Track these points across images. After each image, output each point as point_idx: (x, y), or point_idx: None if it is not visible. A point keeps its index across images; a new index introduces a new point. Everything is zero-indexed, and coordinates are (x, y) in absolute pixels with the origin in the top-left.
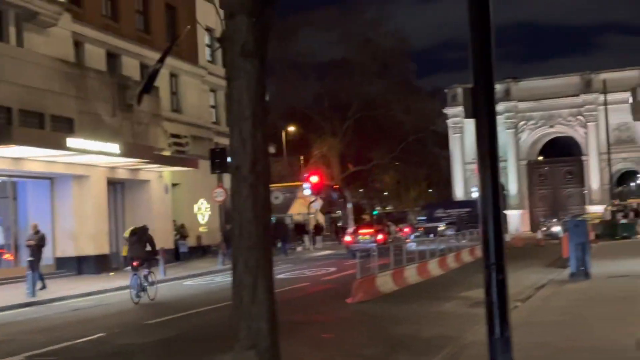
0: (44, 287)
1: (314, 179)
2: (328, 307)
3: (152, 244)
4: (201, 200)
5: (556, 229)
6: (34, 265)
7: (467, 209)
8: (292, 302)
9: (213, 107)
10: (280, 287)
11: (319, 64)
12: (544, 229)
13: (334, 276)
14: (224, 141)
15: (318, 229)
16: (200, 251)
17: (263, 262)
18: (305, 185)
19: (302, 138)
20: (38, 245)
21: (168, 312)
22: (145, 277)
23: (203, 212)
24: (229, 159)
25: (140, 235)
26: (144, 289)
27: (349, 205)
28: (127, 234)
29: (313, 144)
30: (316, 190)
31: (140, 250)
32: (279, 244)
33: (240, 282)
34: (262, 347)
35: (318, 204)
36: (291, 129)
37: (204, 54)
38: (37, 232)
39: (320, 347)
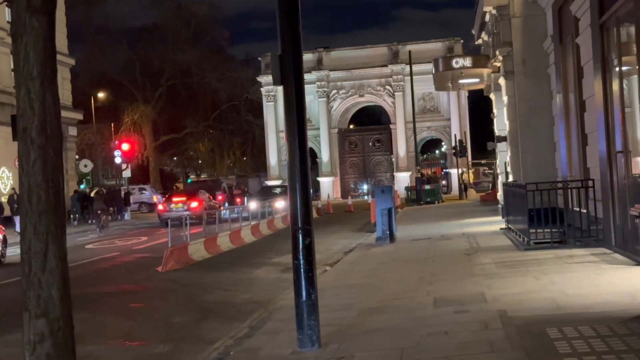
0: None
1: (125, 147)
2: (138, 276)
3: None
4: (2, 169)
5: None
6: None
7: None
8: (101, 273)
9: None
10: (89, 257)
11: (129, 30)
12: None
13: (146, 245)
14: None
15: (127, 198)
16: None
17: (54, 229)
18: (116, 152)
19: (112, 105)
20: None
21: None
22: None
23: (5, 180)
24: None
25: None
26: None
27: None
28: None
29: (124, 111)
30: (128, 158)
31: None
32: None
33: (30, 249)
34: (52, 315)
35: (128, 172)
36: (101, 95)
37: (4, 14)
38: None
39: (128, 317)
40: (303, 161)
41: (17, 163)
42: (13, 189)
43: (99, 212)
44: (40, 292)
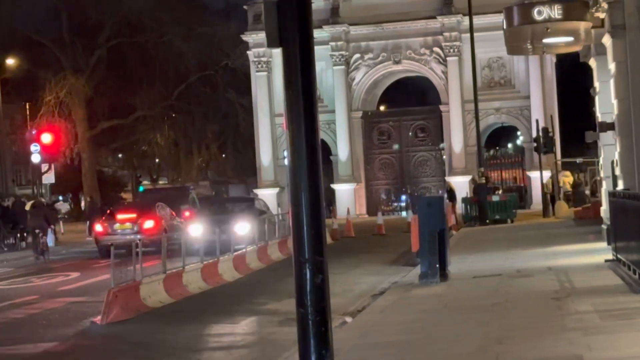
0: None
1: (47, 138)
2: (67, 330)
3: None
4: None
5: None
6: None
7: None
8: (12, 326)
9: None
10: None
11: None
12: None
13: (77, 285)
14: None
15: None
16: None
17: None
18: (34, 147)
19: (28, 77)
20: None
21: None
22: None
23: None
24: None
25: None
26: None
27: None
28: None
29: (45, 85)
30: (51, 155)
31: None
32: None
33: None
34: None
35: (52, 176)
36: (10, 62)
37: None
38: None
39: None
40: (312, 161)
41: None
42: None
43: (37, 231)
44: None
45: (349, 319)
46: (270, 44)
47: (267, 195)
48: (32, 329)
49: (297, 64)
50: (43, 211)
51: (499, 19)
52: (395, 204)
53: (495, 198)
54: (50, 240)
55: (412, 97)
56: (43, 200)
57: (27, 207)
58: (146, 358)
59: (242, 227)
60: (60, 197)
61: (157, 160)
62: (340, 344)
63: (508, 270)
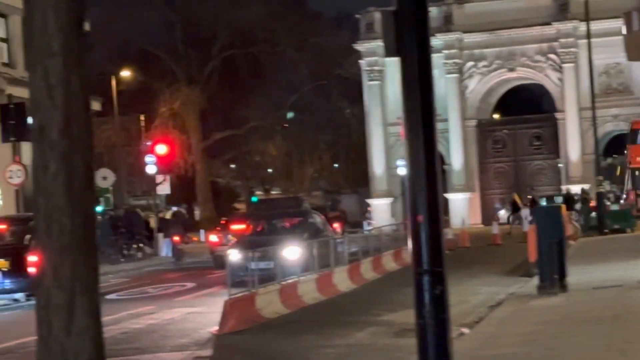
0: None
1: (162, 149)
2: (184, 341)
3: None
4: None
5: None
6: None
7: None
8: (130, 337)
9: (3, 40)
10: (110, 313)
11: None
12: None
13: (193, 295)
14: (22, 92)
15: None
16: None
17: (84, 271)
18: (149, 158)
19: (142, 89)
20: None
21: None
22: None
23: None
24: (30, 119)
25: None
26: None
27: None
28: None
29: (159, 97)
30: (166, 166)
31: None
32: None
33: (49, 302)
34: None
35: (167, 187)
36: (125, 74)
37: None
38: None
39: None
40: (431, 170)
41: (7, 175)
42: None
43: (175, 238)
44: None
45: (466, 330)
46: (388, 53)
47: (380, 205)
48: (150, 339)
49: (415, 73)
50: (182, 220)
51: (617, 24)
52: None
53: (614, 207)
54: (168, 250)
55: (527, 105)
56: (182, 210)
57: (168, 215)
58: None
59: (292, 252)
60: (175, 208)
61: (269, 170)
62: (459, 355)
63: (629, 281)
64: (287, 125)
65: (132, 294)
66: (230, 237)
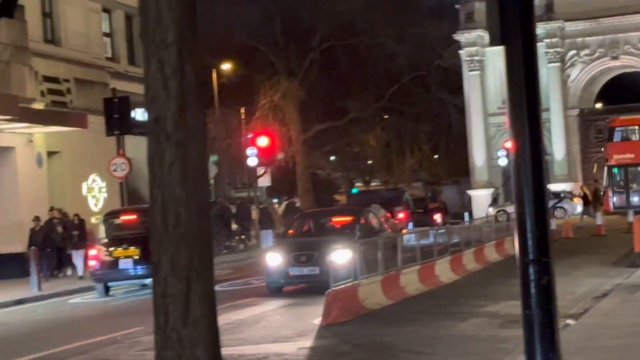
0: None
1: (263, 141)
2: (288, 332)
3: None
4: (93, 177)
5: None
6: None
7: None
8: (236, 328)
9: (107, 35)
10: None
11: None
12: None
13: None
14: (125, 86)
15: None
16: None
17: (199, 261)
18: (250, 151)
19: (242, 81)
20: None
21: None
22: None
23: (96, 193)
24: (135, 112)
25: None
26: None
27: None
28: None
29: (259, 89)
30: (266, 158)
31: None
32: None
33: (165, 291)
34: None
35: (268, 179)
36: (226, 67)
37: None
38: None
39: None
40: (536, 160)
41: (112, 168)
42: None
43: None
44: (181, 353)
45: (571, 322)
46: (493, 42)
47: (481, 196)
48: (254, 330)
49: (520, 62)
50: (297, 211)
51: None
52: None
53: None
54: (269, 242)
55: (630, 94)
56: (296, 201)
57: (282, 207)
58: (367, 359)
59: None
60: (276, 200)
61: (369, 162)
62: (566, 346)
63: None
64: (386, 116)
65: (235, 285)
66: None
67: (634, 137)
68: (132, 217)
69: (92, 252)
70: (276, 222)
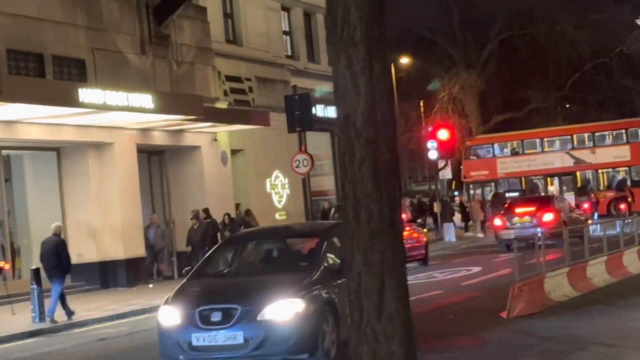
0: (70, 312)
1: (443, 134)
2: (473, 325)
3: None
4: (276, 173)
5: None
6: (52, 276)
7: None
8: (420, 320)
9: (287, 33)
10: None
11: None
12: None
13: (479, 279)
14: (305, 83)
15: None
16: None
17: (391, 257)
18: (430, 144)
19: (420, 74)
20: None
21: None
22: None
23: (280, 190)
24: (316, 108)
25: None
26: None
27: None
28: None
29: (438, 82)
30: (447, 151)
31: None
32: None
33: (359, 286)
34: None
35: (449, 171)
36: (404, 61)
37: None
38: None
39: None
40: None
41: (294, 164)
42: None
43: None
44: (377, 347)
45: None
46: None
47: None
48: (439, 323)
49: None
50: (504, 201)
51: None
52: None
53: None
54: (451, 236)
55: None
56: (502, 192)
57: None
58: (556, 352)
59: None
60: (456, 193)
61: None
62: None
63: None
64: (568, 105)
65: (419, 278)
66: (515, 220)
67: None
68: None
69: None
70: (475, 215)
